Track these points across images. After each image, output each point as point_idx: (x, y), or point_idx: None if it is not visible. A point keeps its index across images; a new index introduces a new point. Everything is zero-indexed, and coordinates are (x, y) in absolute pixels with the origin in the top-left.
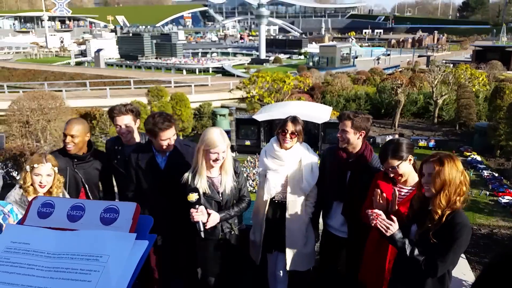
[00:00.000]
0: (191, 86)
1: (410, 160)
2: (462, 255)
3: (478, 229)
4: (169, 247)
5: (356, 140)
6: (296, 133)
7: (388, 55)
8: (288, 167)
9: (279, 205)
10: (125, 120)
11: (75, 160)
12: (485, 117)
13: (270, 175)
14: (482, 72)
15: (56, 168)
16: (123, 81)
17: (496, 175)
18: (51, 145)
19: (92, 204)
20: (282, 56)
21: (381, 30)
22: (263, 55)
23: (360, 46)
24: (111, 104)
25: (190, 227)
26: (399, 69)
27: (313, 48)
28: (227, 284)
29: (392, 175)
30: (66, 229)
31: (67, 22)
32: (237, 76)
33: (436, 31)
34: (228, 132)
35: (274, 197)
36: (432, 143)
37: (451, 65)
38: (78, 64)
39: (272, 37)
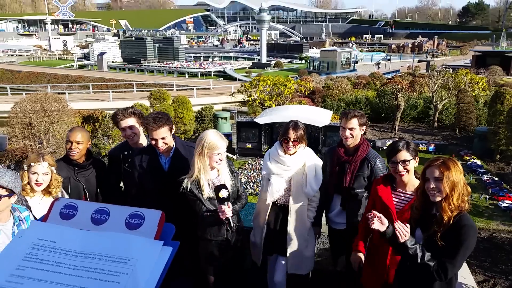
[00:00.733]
0: (193, 89)
1: (416, 161)
2: None
3: (478, 233)
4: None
5: (359, 135)
6: (298, 140)
7: (388, 60)
8: (292, 171)
9: (281, 209)
10: (129, 123)
11: (76, 168)
12: (485, 122)
13: (274, 179)
14: (482, 77)
15: (53, 168)
16: (125, 84)
17: (496, 179)
18: (53, 147)
19: (117, 209)
20: (283, 60)
21: (381, 35)
22: (264, 60)
23: (361, 51)
24: (114, 107)
25: (193, 228)
26: (399, 74)
27: (313, 52)
28: (229, 285)
29: (401, 169)
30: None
31: (70, 25)
32: (239, 80)
33: (436, 36)
34: (229, 135)
35: (276, 201)
36: (432, 147)
37: (451, 70)
38: (81, 67)
39: (273, 42)
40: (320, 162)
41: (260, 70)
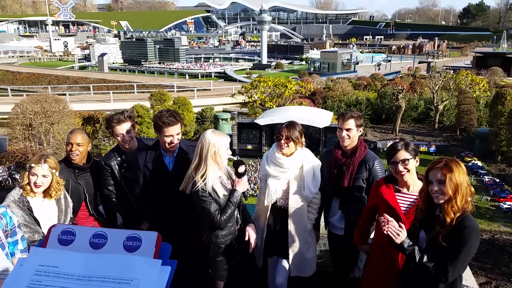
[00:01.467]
0: (193, 90)
1: (416, 161)
2: None
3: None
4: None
5: (356, 136)
6: (290, 139)
7: (389, 61)
8: (290, 173)
9: (281, 211)
10: (125, 128)
11: (77, 171)
12: (485, 123)
13: (271, 181)
14: (483, 78)
15: (55, 171)
16: (126, 85)
17: (497, 180)
18: (54, 148)
19: (114, 232)
20: (283, 61)
21: (382, 37)
22: (264, 61)
23: (361, 52)
24: (115, 108)
25: (197, 228)
26: (400, 75)
27: (314, 54)
28: (232, 286)
29: (401, 169)
30: None
31: (71, 26)
32: (239, 81)
33: (436, 38)
34: (230, 136)
35: (276, 202)
36: (433, 149)
37: (452, 71)
38: (82, 68)
39: (274, 43)
40: (318, 164)
41: (260, 71)
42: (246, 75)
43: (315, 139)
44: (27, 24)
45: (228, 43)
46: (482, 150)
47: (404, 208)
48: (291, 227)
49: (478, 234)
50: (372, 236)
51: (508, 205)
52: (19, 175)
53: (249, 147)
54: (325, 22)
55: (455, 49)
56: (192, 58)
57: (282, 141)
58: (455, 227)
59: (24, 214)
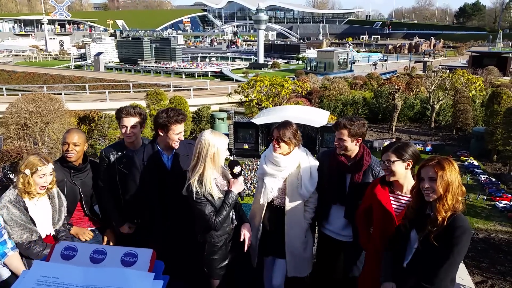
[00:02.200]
0: (190, 90)
1: (408, 164)
2: None
3: (475, 233)
4: (171, 248)
5: (353, 147)
6: (281, 140)
7: (385, 60)
8: (286, 172)
9: (277, 210)
10: (131, 122)
11: (72, 171)
12: (481, 122)
13: (267, 180)
14: (479, 78)
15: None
16: (122, 84)
17: (493, 179)
18: (49, 148)
19: (113, 249)
20: (280, 61)
21: (378, 36)
22: (261, 60)
23: (358, 51)
24: (110, 108)
25: (191, 227)
26: (396, 74)
27: (311, 53)
28: (227, 286)
29: (384, 167)
30: None
31: (67, 25)
32: (236, 80)
33: (432, 37)
34: (226, 136)
35: (273, 202)
36: (429, 148)
37: (448, 71)
38: (78, 67)
39: (270, 42)
40: (315, 163)
41: (257, 70)
42: (242, 75)
43: (312, 138)
44: (22, 23)
45: (225, 42)
46: (478, 149)
47: (397, 209)
48: (287, 226)
49: (469, 235)
50: None
51: (504, 204)
52: (13, 175)
53: (246, 146)
54: (322, 21)
55: (451, 49)
56: (188, 57)
57: (274, 142)
58: (446, 226)
59: (21, 215)
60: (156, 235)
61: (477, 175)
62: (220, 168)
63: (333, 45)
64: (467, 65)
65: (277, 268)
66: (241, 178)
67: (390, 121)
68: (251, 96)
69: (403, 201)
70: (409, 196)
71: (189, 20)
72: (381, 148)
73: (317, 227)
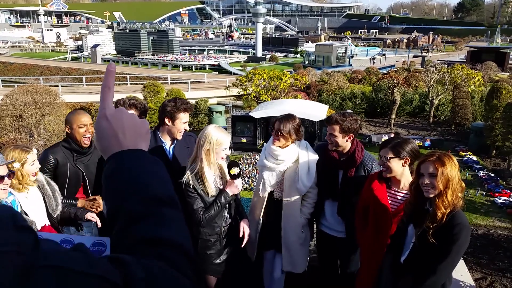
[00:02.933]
0: (187, 83)
1: (405, 162)
2: None
3: (474, 229)
4: None
5: (344, 143)
6: (280, 133)
7: (384, 55)
8: (284, 165)
9: (277, 203)
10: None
11: (76, 154)
12: (480, 117)
13: (265, 173)
14: (478, 73)
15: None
16: (119, 77)
17: (492, 175)
18: (45, 140)
19: (80, 239)
20: (278, 54)
21: (377, 30)
22: (259, 53)
23: (356, 45)
24: None
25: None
26: (395, 69)
27: (309, 47)
28: (225, 282)
29: (381, 164)
30: None
31: (64, 17)
32: (234, 73)
33: (431, 32)
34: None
35: (273, 195)
36: (427, 143)
37: (446, 66)
38: (75, 59)
39: (268, 36)
40: (315, 158)
41: (255, 64)
42: (240, 68)
43: (311, 132)
44: (18, 14)
45: (222, 35)
46: (477, 145)
47: (393, 205)
48: (284, 219)
49: (468, 232)
50: None
51: (503, 200)
52: None
53: (244, 140)
54: (320, 15)
55: (450, 44)
56: (186, 50)
57: (273, 134)
58: (445, 223)
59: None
60: None
61: (476, 171)
62: (217, 165)
63: (332, 39)
64: (465, 60)
65: (277, 261)
66: (239, 181)
67: (388, 116)
68: (249, 90)
69: (400, 197)
70: (406, 192)
71: (187, 12)
72: (380, 143)
73: (315, 223)
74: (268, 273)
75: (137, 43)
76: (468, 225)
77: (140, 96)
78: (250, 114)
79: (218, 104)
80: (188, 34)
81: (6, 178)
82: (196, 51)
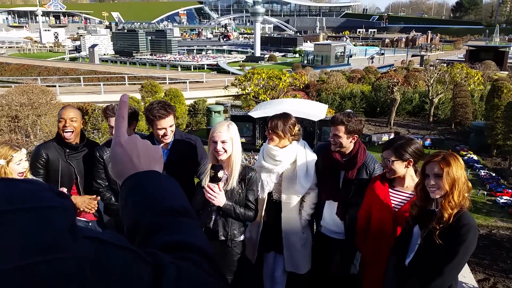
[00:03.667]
0: (186, 82)
1: (409, 163)
2: None
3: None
4: None
5: (348, 144)
6: (273, 131)
7: (382, 54)
8: (282, 166)
9: (276, 204)
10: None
11: (67, 150)
12: (481, 116)
13: (263, 174)
14: (478, 72)
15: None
16: (117, 77)
17: (493, 174)
18: (41, 141)
19: None
20: (277, 54)
21: (375, 30)
22: (258, 53)
23: (354, 45)
24: (105, 100)
25: None
26: (393, 68)
27: (308, 46)
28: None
29: (384, 166)
30: None
31: (62, 17)
32: (232, 73)
33: (429, 31)
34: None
35: (272, 196)
36: (428, 142)
37: (445, 65)
38: (72, 59)
39: (267, 35)
40: (313, 158)
41: (254, 63)
42: (239, 68)
43: (310, 132)
44: (16, 15)
45: (221, 35)
46: (477, 144)
47: (397, 205)
48: (284, 221)
49: (475, 233)
50: None
51: (505, 199)
52: None
53: (243, 140)
54: (319, 14)
55: (448, 43)
56: (184, 50)
57: (267, 133)
58: (452, 224)
59: None
60: None
61: (477, 170)
62: (226, 169)
63: (330, 38)
64: (464, 59)
65: (278, 263)
66: (221, 192)
67: (388, 115)
68: (248, 89)
69: (404, 197)
70: (410, 192)
71: (185, 12)
72: (379, 143)
73: (314, 224)
74: (268, 275)
75: (135, 43)
76: (476, 225)
77: (138, 96)
78: (249, 114)
79: (217, 104)
80: (186, 34)
81: None
82: (195, 51)
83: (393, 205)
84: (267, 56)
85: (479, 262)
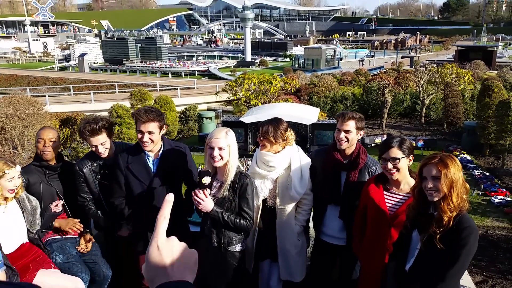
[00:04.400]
0: (176, 89)
1: (410, 160)
2: None
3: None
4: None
5: (355, 141)
6: (263, 137)
7: (372, 56)
8: (276, 172)
9: (271, 211)
10: (100, 140)
11: (47, 172)
12: (472, 116)
13: (257, 180)
14: (468, 71)
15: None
16: (107, 85)
17: (487, 174)
18: (29, 152)
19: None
20: (267, 58)
21: (364, 32)
22: (248, 58)
23: (344, 48)
24: (96, 109)
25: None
26: (384, 70)
27: (298, 50)
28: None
29: (390, 167)
30: None
31: (50, 27)
32: (223, 78)
33: (418, 32)
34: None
35: (266, 203)
36: (420, 143)
37: (435, 65)
38: (62, 69)
39: (257, 40)
40: (307, 163)
41: (245, 68)
42: (230, 73)
43: (303, 136)
44: (4, 25)
45: (186, 42)
46: (470, 144)
47: (392, 207)
48: (278, 228)
49: (476, 235)
50: None
51: (499, 199)
52: None
53: None
54: (308, 18)
55: (437, 43)
56: (175, 56)
57: (258, 139)
58: (452, 227)
59: None
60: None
61: (471, 170)
62: (220, 172)
63: (320, 42)
64: (453, 59)
65: (273, 271)
66: (209, 201)
67: (380, 117)
68: (239, 94)
69: (399, 199)
70: (405, 193)
71: (174, 19)
72: (372, 145)
73: (314, 231)
74: (264, 283)
75: (125, 51)
76: (476, 228)
77: (127, 104)
78: (241, 119)
79: (208, 110)
80: (176, 40)
81: None
82: (185, 57)
83: (388, 207)
84: (258, 61)
85: (477, 263)
